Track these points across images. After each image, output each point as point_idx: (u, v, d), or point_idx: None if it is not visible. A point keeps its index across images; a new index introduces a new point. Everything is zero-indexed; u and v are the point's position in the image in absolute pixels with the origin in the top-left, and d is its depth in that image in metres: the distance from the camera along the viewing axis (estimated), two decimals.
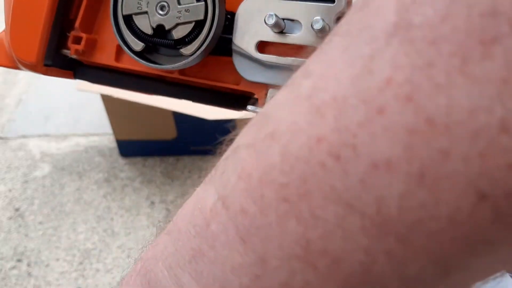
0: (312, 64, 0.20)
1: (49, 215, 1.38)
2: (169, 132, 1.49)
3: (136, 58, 0.39)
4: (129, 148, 1.55)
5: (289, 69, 0.37)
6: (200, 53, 0.38)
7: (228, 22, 0.38)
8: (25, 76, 1.98)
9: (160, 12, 0.38)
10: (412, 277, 0.18)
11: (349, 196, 0.17)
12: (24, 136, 1.69)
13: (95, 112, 1.66)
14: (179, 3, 0.37)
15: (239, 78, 0.40)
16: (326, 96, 0.18)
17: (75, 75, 0.46)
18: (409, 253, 0.17)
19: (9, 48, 0.44)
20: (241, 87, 0.40)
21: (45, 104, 1.82)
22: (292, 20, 0.36)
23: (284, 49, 0.37)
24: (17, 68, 0.45)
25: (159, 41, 0.39)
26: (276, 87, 0.38)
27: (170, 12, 0.38)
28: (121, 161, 1.56)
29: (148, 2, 0.38)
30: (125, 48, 0.39)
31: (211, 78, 0.41)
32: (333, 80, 0.18)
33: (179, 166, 1.53)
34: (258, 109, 0.39)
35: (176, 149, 1.55)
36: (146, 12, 0.38)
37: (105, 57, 0.43)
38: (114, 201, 1.42)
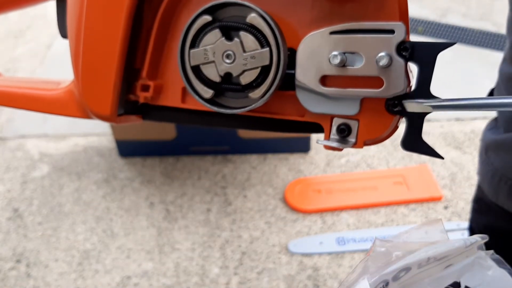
0: None
1: (48, 215, 1.38)
2: (169, 133, 1.50)
3: (207, 104, 0.42)
4: (128, 148, 1.55)
5: (351, 99, 0.39)
6: (268, 96, 0.40)
7: (289, 59, 0.40)
8: (24, 75, 1.99)
9: (227, 60, 0.40)
10: None
11: None
12: (22, 136, 1.69)
13: None
14: (244, 51, 0.39)
15: (303, 110, 0.42)
16: None
17: (144, 117, 0.49)
18: None
19: (80, 100, 0.47)
20: (306, 119, 0.42)
21: None
22: (352, 53, 0.38)
23: (345, 80, 0.39)
24: (89, 118, 0.48)
25: (227, 88, 0.41)
26: (340, 116, 0.41)
27: (236, 60, 0.40)
28: (120, 161, 1.56)
29: (214, 52, 0.40)
30: (196, 96, 0.42)
31: (275, 112, 0.43)
32: None
33: (179, 166, 1.53)
34: (327, 142, 0.41)
35: (175, 149, 1.55)
36: (213, 62, 0.40)
37: (171, 99, 0.46)
38: (114, 202, 1.42)
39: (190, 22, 0.40)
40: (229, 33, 0.40)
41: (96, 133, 1.67)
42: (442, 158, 0.40)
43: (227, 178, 1.47)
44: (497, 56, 1.91)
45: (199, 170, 1.51)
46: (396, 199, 1.37)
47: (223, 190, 1.43)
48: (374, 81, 0.38)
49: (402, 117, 0.40)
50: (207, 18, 0.40)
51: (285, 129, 0.44)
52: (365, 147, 1.44)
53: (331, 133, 0.41)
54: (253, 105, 0.41)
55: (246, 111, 0.41)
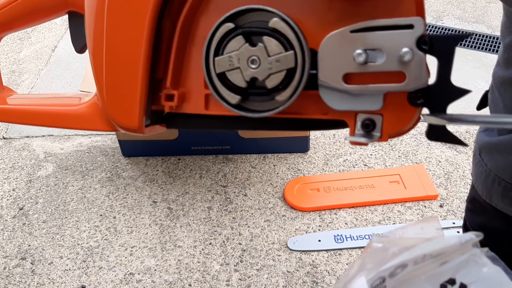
0: None
1: (53, 213, 1.40)
2: (171, 133, 1.51)
3: (234, 109, 0.42)
4: (131, 148, 1.57)
5: (374, 95, 0.39)
6: (295, 97, 0.40)
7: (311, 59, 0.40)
8: (29, 77, 2.00)
9: (252, 66, 0.40)
10: None
11: None
12: (28, 136, 1.71)
13: None
14: (268, 55, 0.39)
15: (327, 108, 0.41)
16: None
17: (168, 126, 0.48)
18: None
19: (105, 113, 0.46)
20: (330, 117, 0.42)
21: None
22: (372, 49, 0.38)
23: (368, 76, 0.39)
24: (116, 131, 0.48)
25: (254, 92, 0.41)
26: (364, 112, 0.41)
27: (261, 65, 0.40)
28: (124, 160, 1.57)
29: (239, 59, 0.40)
30: (223, 102, 0.42)
31: (299, 112, 0.43)
32: None
33: (181, 165, 1.54)
34: (353, 138, 0.40)
35: (177, 149, 1.56)
36: (238, 68, 0.40)
37: (195, 106, 0.45)
38: (117, 200, 1.43)
39: (213, 30, 0.40)
40: (251, 38, 0.40)
41: (100, 133, 1.69)
42: (467, 145, 0.39)
43: (227, 177, 1.49)
44: (492, 58, 1.93)
45: (200, 169, 1.52)
46: (393, 197, 1.38)
47: (224, 188, 1.45)
48: (396, 76, 0.38)
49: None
50: (229, 25, 0.40)
51: (308, 127, 0.44)
52: (362, 147, 1.44)
53: (356, 129, 0.41)
54: (280, 108, 0.41)
55: (273, 113, 0.41)
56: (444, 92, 0.38)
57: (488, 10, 2.30)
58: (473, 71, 1.86)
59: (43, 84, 1.95)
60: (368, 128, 0.41)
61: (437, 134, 0.40)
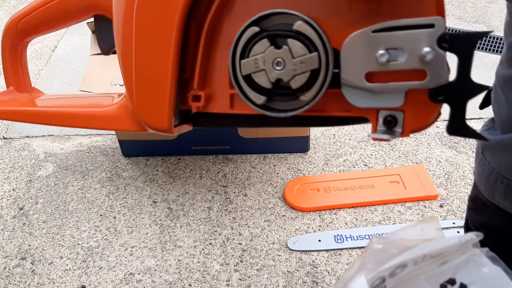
0: None
1: (53, 213, 1.40)
2: None
3: (260, 109, 0.43)
4: (131, 148, 1.57)
5: (396, 92, 0.40)
6: (319, 97, 0.41)
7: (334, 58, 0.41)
8: (30, 76, 1.99)
9: (277, 68, 0.41)
10: None
11: None
12: (28, 136, 1.71)
13: None
14: (293, 57, 0.40)
15: (349, 106, 0.42)
16: None
17: (194, 125, 0.50)
18: None
19: (134, 113, 0.47)
20: (352, 114, 0.43)
21: None
22: (394, 48, 0.39)
23: (390, 74, 0.40)
24: (145, 131, 0.49)
25: (279, 93, 0.43)
26: (386, 109, 0.42)
27: (286, 67, 0.41)
28: (124, 160, 1.57)
29: (264, 61, 0.41)
30: (249, 103, 0.43)
31: (322, 110, 0.44)
32: None
33: (181, 165, 1.55)
34: (376, 135, 0.41)
35: (177, 149, 1.56)
36: (263, 70, 0.41)
37: (220, 106, 0.47)
38: (117, 200, 1.43)
39: (239, 34, 0.41)
40: (276, 41, 0.41)
41: (100, 133, 1.69)
42: (487, 140, 0.41)
43: (227, 177, 1.49)
44: (492, 58, 1.93)
45: (200, 169, 1.52)
46: (393, 197, 1.38)
47: (224, 188, 1.45)
48: (417, 73, 0.39)
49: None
50: (255, 29, 0.41)
51: (331, 123, 0.45)
52: (362, 147, 1.45)
53: (378, 125, 0.42)
54: (306, 107, 0.42)
55: (298, 113, 0.42)
56: (464, 89, 0.39)
57: (488, 10, 2.30)
58: (473, 71, 1.85)
59: (43, 84, 1.95)
60: (390, 125, 0.42)
61: (456, 129, 0.41)
